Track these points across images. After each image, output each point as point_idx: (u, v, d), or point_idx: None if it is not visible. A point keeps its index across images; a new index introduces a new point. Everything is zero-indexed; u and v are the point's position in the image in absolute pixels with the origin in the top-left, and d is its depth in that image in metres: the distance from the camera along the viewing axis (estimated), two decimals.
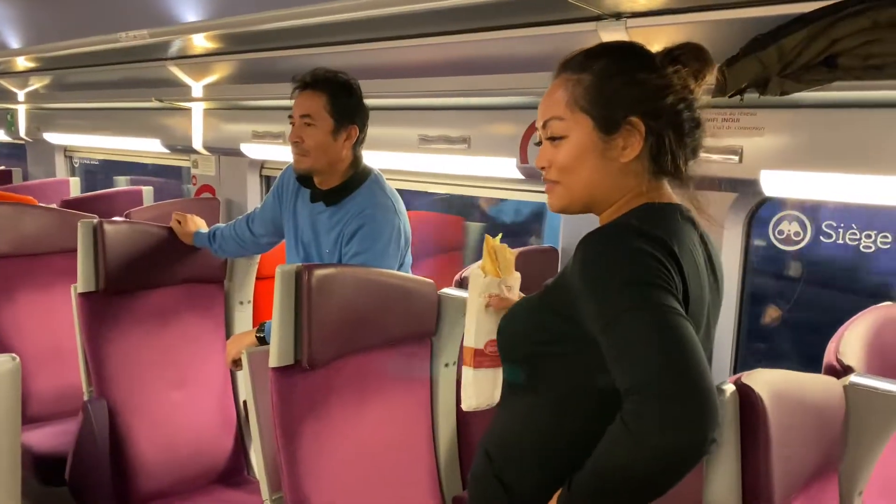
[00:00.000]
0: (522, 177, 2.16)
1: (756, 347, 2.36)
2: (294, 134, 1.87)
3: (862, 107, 1.56)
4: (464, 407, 1.28)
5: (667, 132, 1.06)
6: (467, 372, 1.27)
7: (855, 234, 1.76)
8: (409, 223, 1.89)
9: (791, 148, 1.65)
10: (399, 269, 1.84)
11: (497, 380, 1.26)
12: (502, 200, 3.20)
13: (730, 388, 0.91)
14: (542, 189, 2.22)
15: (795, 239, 1.86)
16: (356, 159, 1.92)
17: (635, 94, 1.06)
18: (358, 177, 1.90)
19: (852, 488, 1.18)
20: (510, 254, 1.28)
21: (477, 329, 1.24)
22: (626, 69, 1.07)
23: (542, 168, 1.13)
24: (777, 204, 1.87)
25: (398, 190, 2.05)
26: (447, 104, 2.36)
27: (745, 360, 1.95)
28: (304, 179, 1.94)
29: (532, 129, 2.11)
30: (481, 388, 1.26)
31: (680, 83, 1.06)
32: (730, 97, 1.52)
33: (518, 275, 1.29)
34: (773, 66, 1.47)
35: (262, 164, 3.20)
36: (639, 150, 1.06)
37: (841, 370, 1.30)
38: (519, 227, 3.19)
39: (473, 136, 2.28)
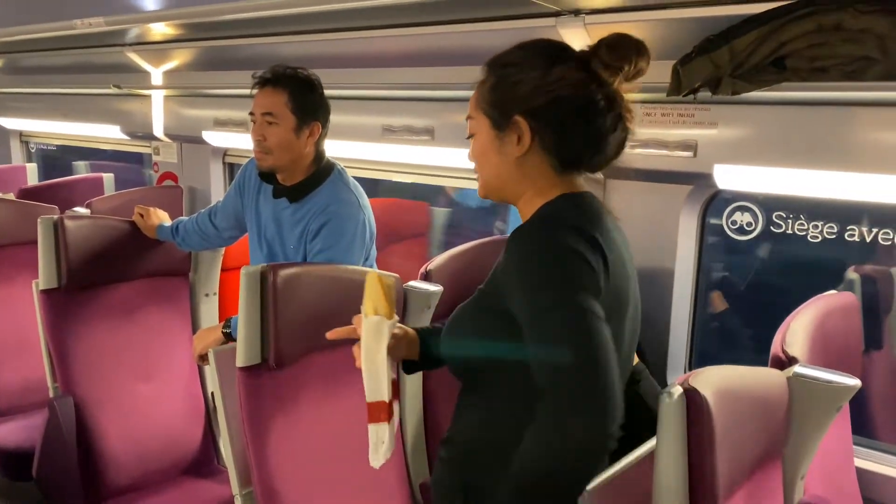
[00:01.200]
0: None
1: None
2: (256, 132, 1.86)
3: (810, 105, 1.61)
4: (375, 464, 1.19)
5: (553, 129, 1.11)
6: (381, 428, 1.17)
7: (803, 224, 1.83)
8: (373, 217, 1.91)
9: (743, 143, 1.70)
10: (365, 263, 1.86)
11: (396, 420, 1.19)
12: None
13: (677, 390, 0.95)
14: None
15: (748, 229, 1.92)
16: (318, 155, 1.92)
17: (518, 94, 1.12)
18: (321, 172, 1.90)
19: (795, 473, 1.25)
20: (394, 288, 1.22)
21: (387, 379, 1.15)
22: (513, 70, 1.13)
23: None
24: (730, 195, 1.93)
25: (362, 179, 2.06)
26: (411, 95, 2.37)
27: (701, 344, 2.02)
28: (267, 175, 1.94)
29: None
30: (392, 437, 1.18)
31: (570, 81, 1.10)
32: (684, 96, 1.56)
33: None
34: (725, 66, 1.51)
35: (224, 152, 3.17)
36: (528, 146, 1.13)
37: (786, 361, 1.36)
38: (485, 212, 3.23)
39: (437, 126, 2.29)
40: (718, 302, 2.41)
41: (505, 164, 1.15)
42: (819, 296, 1.64)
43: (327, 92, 1.99)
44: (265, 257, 1.94)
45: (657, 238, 1.93)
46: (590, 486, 1.02)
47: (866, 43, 1.37)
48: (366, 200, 1.91)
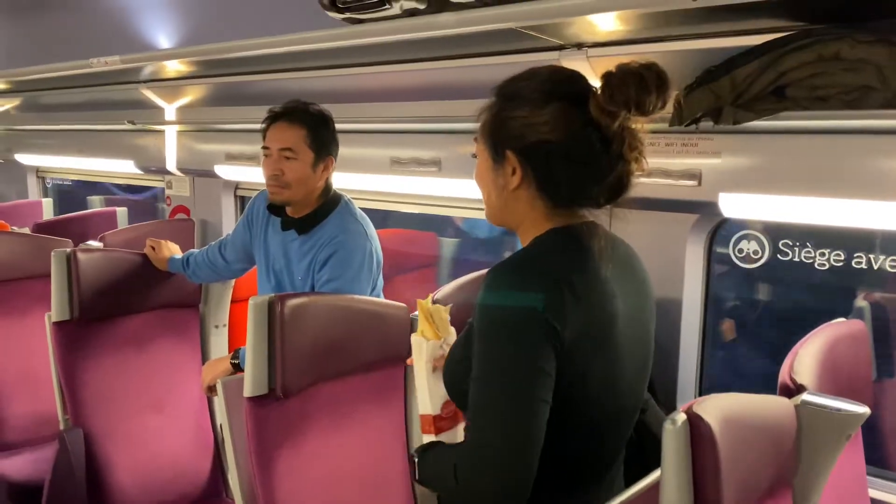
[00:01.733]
0: None
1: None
2: (273, 167, 1.89)
3: (813, 133, 1.62)
4: None
5: (541, 169, 1.11)
6: (429, 439, 1.28)
7: (810, 252, 1.82)
8: (380, 247, 1.93)
9: (747, 171, 1.71)
10: (372, 293, 1.88)
11: (459, 436, 1.28)
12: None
13: (681, 417, 0.95)
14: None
15: (754, 257, 1.92)
16: (327, 187, 1.95)
17: (510, 130, 1.11)
18: (329, 204, 1.93)
19: (806, 502, 1.23)
20: (444, 312, 1.31)
21: (431, 395, 1.26)
22: (510, 104, 1.12)
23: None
24: (736, 224, 1.93)
25: (370, 210, 2.08)
26: (418, 128, 2.41)
27: (711, 373, 2.01)
28: (275, 208, 1.97)
29: None
30: None
31: (560, 123, 1.08)
32: (686, 126, 1.58)
33: (453, 330, 1.31)
34: (727, 96, 1.53)
35: (236, 185, 3.22)
36: (519, 182, 1.12)
37: (794, 389, 1.35)
38: (493, 243, 3.24)
39: (444, 158, 2.32)
40: (729, 331, 2.40)
41: (501, 194, 1.15)
42: (827, 323, 1.63)
43: (337, 126, 2.03)
44: (273, 289, 1.96)
45: (664, 267, 1.93)
46: None
47: (865, 72, 1.38)
48: (372, 230, 1.93)
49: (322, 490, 1.64)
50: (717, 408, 1.01)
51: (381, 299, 1.86)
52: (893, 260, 1.75)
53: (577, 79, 1.15)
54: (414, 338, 1.31)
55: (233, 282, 2.40)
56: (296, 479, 1.60)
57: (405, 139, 2.43)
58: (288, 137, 1.89)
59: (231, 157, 2.98)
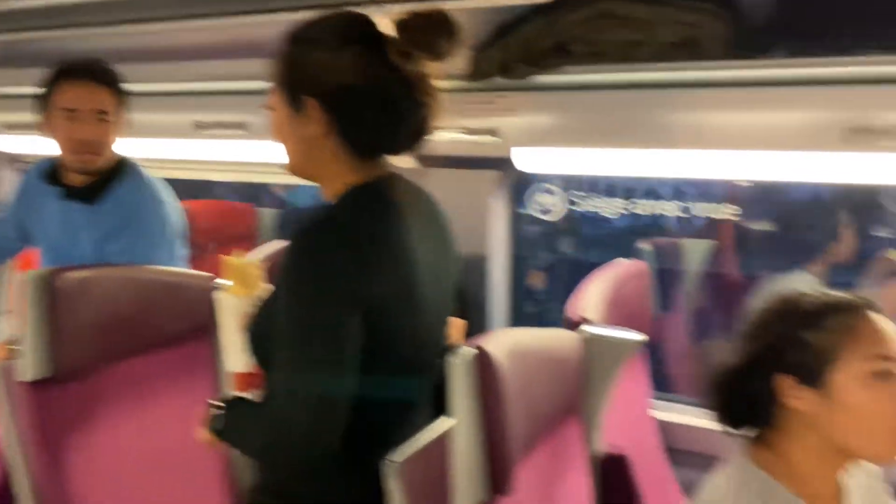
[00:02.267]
0: None
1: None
2: (86, 131, 1.69)
3: (600, 88, 1.73)
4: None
5: (344, 115, 1.08)
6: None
7: (597, 202, 1.98)
8: (180, 214, 1.81)
9: (541, 127, 1.80)
10: (173, 263, 1.76)
11: None
12: (298, 184, 3.15)
13: (469, 351, 0.99)
14: None
15: (552, 210, 2.05)
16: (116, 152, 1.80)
17: (308, 75, 1.08)
18: (117, 169, 1.78)
19: (593, 426, 1.34)
20: (255, 269, 1.27)
21: (242, 351, 1.20)
22: (305, 48, 1.09)
23: None
24: (535, 178, 2.04)
25: (173, 179, 1.95)
26: (223, 88, 2.28)
27: (520, 324, 2.12)
28: (52, 177, 1.78)
29: None
30: None
31: (360, 67, 1.06)
32: (479, 81, 1.63)
33: (268, 286, 1.26)
34: (516, 52, 1.60)
35: (16, 157, 2.86)
36: (322, 130, 1.08)
37: (579, 322, 1.46)
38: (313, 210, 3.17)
39: (251, 121, 2.22)
40: (536, 280, 2.55)
41: (302, 144, 1.11)
42: (612, 263, 1.78)
43: (130, 88, 1.87)
44: (55, 264, 1.77)
45: (471, 224, 1.99)
46: (397, 458, 1.03)
47: (634, 28, 1.50)
48: (169, 195, 1.81)
49: (123, 479, 1.53)
50: (504, 342, 1.06)
51: (181, 269, 1.75)
52: (664, 205, 1.94)
53: (372, 23, 1.13)
54: (220, 295, 1.26)
55: (8, 264, 2.15)
56: (91, 471, 1.47)
57: (208, 101, 2.29)
58: (102, 98, 1.72)
59: (10, 127, 2.65)
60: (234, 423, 1.14)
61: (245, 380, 1.24)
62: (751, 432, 1.00)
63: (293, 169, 1.17)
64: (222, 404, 1.16)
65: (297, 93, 1.09)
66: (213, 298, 1.69)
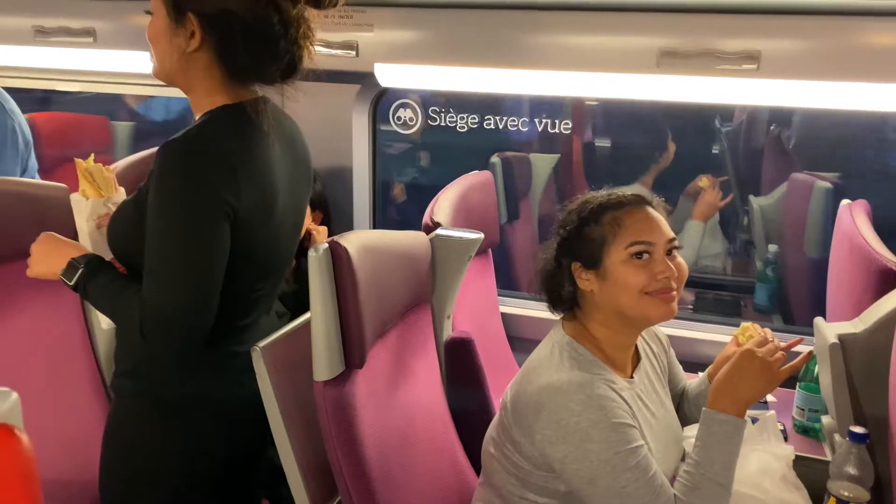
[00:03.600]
0: None
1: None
2: None
3: (458, 7, 1.84)
4: (104, 326, 1.31)
5: (222, 39, 1.13)
6: None
7: (453, 117, 2.12)
8: (26, 125, 1.76)
9: (399, 43, 1.90)
10: (24, 175, 1.73)
11: None
12: (151, 96, 3.04)
13: (323, 246, 1.12)
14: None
15: (410, 124, 2.17)
16: None
17: None
18: None
19: (442, 313, 1.53)
20: (108, 172, 1.30)
21: (97, 251, 1.26)
22: None
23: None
24: (395, 94, 2.14)
25: (11, 88, 1.86)
26: None
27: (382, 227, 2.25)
28: None
29: None
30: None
31: None
32: None
33: (122, 190, 1.32)
34: None
35: None
36: (198, 45, 1.13)
37: (432, 226, 1.63)
38: (171, 126, 3.09)
39: (100, 28, 2.13)
40: (399, 193, 2.69)
41: (175, 54, 1.15)
42: (464, 175, 1.95)
43: None
44: None
45: (334, 137, 2.08)
46: (261, 344, 1.16)
47: None
48: (13, 105, 1.75)
49: None
50: (358, 239, 1.19)
51: (35, 180, 1.73)
52: (513, 120, 2.12)
53: None
54: (73, 196, 1.29)
55: None
56: None
57: (51, 5, 2.16)
58: None
59: None
60: (100, 287, 1.17)
61: None
62: (567, 314, 1.22)
63: (161, 74, 1.20)
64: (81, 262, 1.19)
65: (180, 5, 1.13)
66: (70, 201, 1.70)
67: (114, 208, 1.27)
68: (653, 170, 2.51)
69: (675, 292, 1.15)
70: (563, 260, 1.18)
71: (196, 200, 1.09)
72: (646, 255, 1.13)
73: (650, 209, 1.18)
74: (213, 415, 1.22)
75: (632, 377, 1.21)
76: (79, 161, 1.28)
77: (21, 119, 1.74)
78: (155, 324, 1.10)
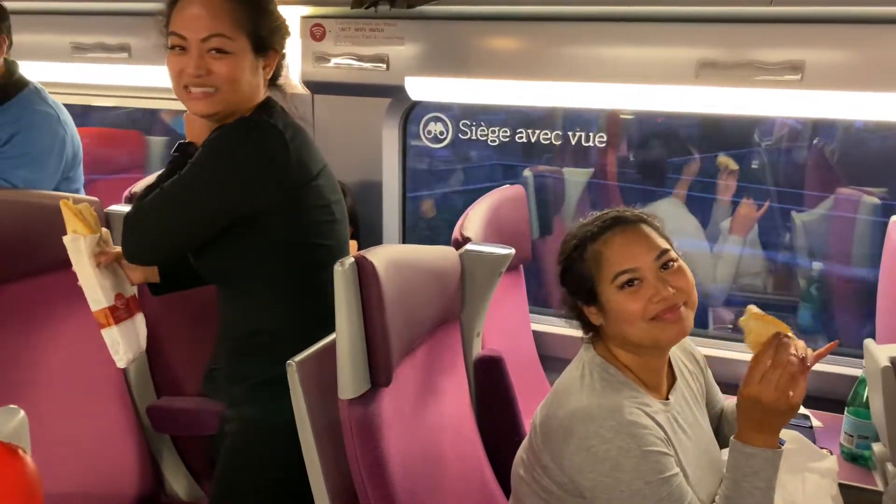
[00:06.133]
0: None
1: None
2: None
3: (489, 20, 1.83)
4: (120, 365, 1.39)
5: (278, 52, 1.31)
6: (111, 332, 1.36)
7: (484, 130, 2.10)
8: (79, 138, 1.82)
9: (429, 56, 1.90)
10: (71, 188, 1.78)
11: (138, 326, 1.38)
12: (178, 114, 3.08)
13: (349, 261, 1.10)
14: None
15: (441, 138, 2.16)
16: (9, 69, 1.78)
17: (275, 28, 1.29)
18: (11, 87, 1.76)
19: (471, 331, 1.50)
20: (92, 210, 1.37)
21: (101, 288, 1.33)
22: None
23: (197, 77, 1.24)
24: (426, 107, 2.14)
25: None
26: (103, 9, 2.21)
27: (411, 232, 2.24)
28: None
29: None
30: (130, 341, 1.38)
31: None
32: (365, 9, 1.69)
33: (105, 230, 1.39)
34: None
35: None
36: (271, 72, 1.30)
37: (462, 241, 1.61)
38: None
39: (135, 43, 2.18)
40: (429, 209, 2.68)
41: (254, 82, 1.27)
42: (495, 189, 1.93)
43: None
44: None
45: (365, 151, 2.08)
46: (297, 358, 1.14)
47: None
48: (68, 117, 1.81)
49: (18, 402, 1.55)
50: (385, 254, 1.18)
51: (69, 193, 1.75)
52: (545, 134, 2.09)
53: None
54: (67, 237, 1.33)
55: None
56: None
57: (88, 22, 2.22)
58: None
59: None
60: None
61: (109, 314, 1.35)
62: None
63: (227, 109, 1.26)
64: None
65: (266, 43, 1.27)
66: (107, 217, 1.72)
67: (104, 246, 1.35)
68: (683, 185, 2.46)
69: (681, 308, 1.08)
70: (568, 297, 1.16)
71: (249, 166, 1.21)
72: (636, 282, 1.09)
73: (630, 230, 1.11)
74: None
75: (667, 398, 1.17)
76: (65, 201, 1.33)
77: (73, 131, 1.82)
78: (133, 222, 1.24)
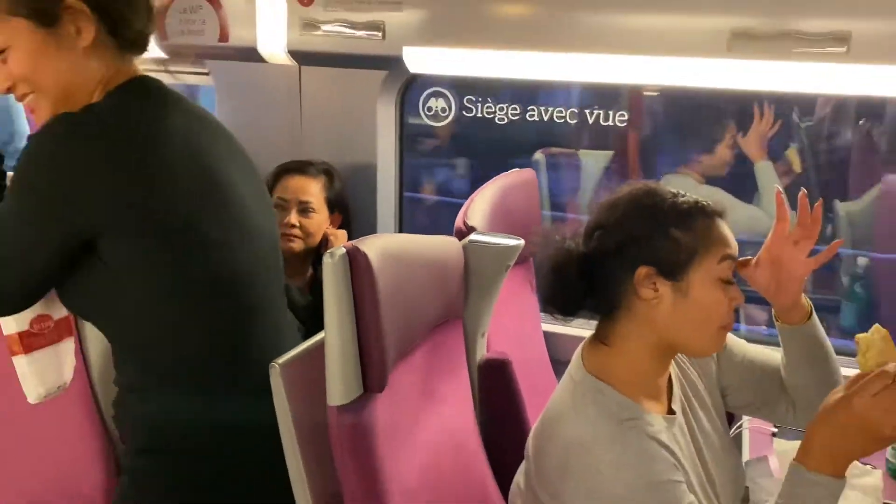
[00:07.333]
0: (164, 55, 2.13)
1: None
2: None
3: None
4: (31, 400, 1.28)
5: (112, 3, 1.12)
6: (20, 361, 1.26)
7: (490, 107, 2.10)
8: None
9: (429, 24, 1.88)
10: None
11: (63, 356, 1.28)
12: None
13: (339, 252, 1.10)
14: (191, 70, 2.22)
15: (442, 115, 2.15)
16: None
17: None
18: None
19: (476, 330, 1.50)
20: None
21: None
22: None
23: (8, 90, 1.15)
24: (426, 81, 2.13)
25: None
26: None
27: (409, 223, 2.23)
28: None
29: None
30: (44, 373, 1.28)
31: None
32: None
33: None
34: None
35: None
36: (95, 31, 1.12)
37: (466, 231, 1.60)
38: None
39: None
40: (429, 191, 2.68)
41: (69, 61, 1.12)
42: (503, 174, 1.93)
43: None
44: None
45: (356, 130, 2.07)
46: (280, 360, 1.14)
47: None
48: None
49: None
50: (380, 244, 1.17)
51: None
52: (559, 112, 2.08)
53: None
54: None
55: None
56: None
57: None
58: None
59: None
60: None
61: (19, 341, 1.25)
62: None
63: (56, 102, 1.14)
64: None
65: (49, 4, 1.09)
66: None
67: None
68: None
69: None
70: (627, 259, 1.10)
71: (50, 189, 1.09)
72: (730, 287, 1.09)
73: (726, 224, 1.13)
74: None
75: (671, 409, 1.16)
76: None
77: None
78: None
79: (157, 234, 1.13)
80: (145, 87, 1.18)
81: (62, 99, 1.14)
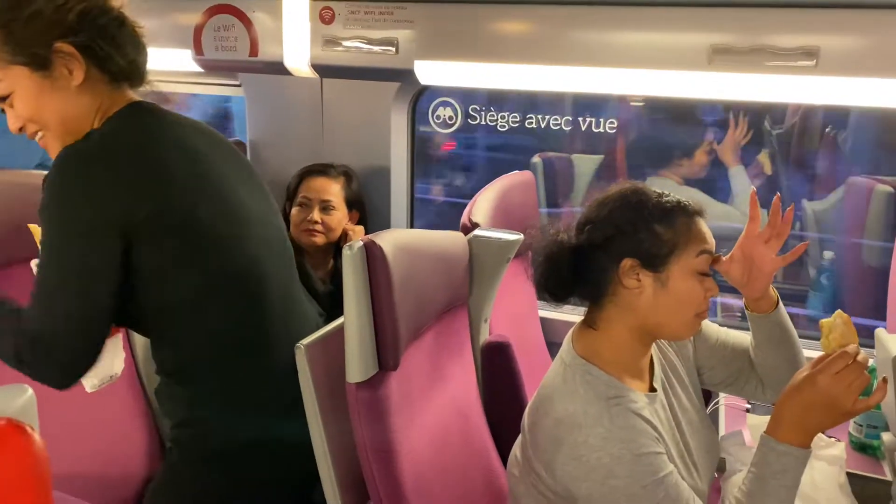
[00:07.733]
0: (200, 69, 2.13)
1: None
2: None
3: (496, 3, 1.81)
4: (88, 390, 1.27)
5: (99, 39, 1.10)
6: None
7: (493, 115, 2.09)
8: None
9: (438, 40, 1.88)
10: None
11: (114, 349, 1.26)
12: (193, 95, 3.08)
13: (358, 244, 1.10)
14: (224, 81, 2.22)
15: (449, 123, 2.14)
16: None
17: (46, 21, 1.08)
18: None
19: (479, 317, 1.50)
20: None
21: None
22: (23, 4, 1.08)
23: (21, 130, 1.15)
24: (435, 92, 2.12)
25: None
26: None
27: (419, 220, 2.23)
28: None
29: (209, 15, 2.08)
30: (99, 366, 1.24)
31: None
32: None
33: None
34: None
35: None
36: (85, 69, 1.10)
37: (470, 227, 1.60)
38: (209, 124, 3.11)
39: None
40: (438, 193, 2.68)
41: (68, 101, 1.12)
42: (504, 175, 1.92)
43: None
44: None
45: (372, 136, 2.07)
46: (305, 341, 1.14)
47: None
48: None
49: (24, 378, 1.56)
50: (394, 238, 1.17)
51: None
52: (555, 119, 2.08)
53: None
54: (35, 261, 1.22)
55: None
56: None
57: None
58: None
59: None
60: None
61: None
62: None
63: (64, 137, 1.13)
64: None
65: (38, 48, 1.08)
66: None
67: None
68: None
69: None
70: (614, 251, 1.09)
71: (81, 223, 1.07)
72: (706, 279, 1.09)
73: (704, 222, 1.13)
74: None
75: (652, 387, 1.16)
76: (34, 226, 1.21)
77: None
78: (32, 352, 1.08)
79: (174, 234, 1.13)
80: (140, 110, 1.17)
81: (65, 133, 1.14)
